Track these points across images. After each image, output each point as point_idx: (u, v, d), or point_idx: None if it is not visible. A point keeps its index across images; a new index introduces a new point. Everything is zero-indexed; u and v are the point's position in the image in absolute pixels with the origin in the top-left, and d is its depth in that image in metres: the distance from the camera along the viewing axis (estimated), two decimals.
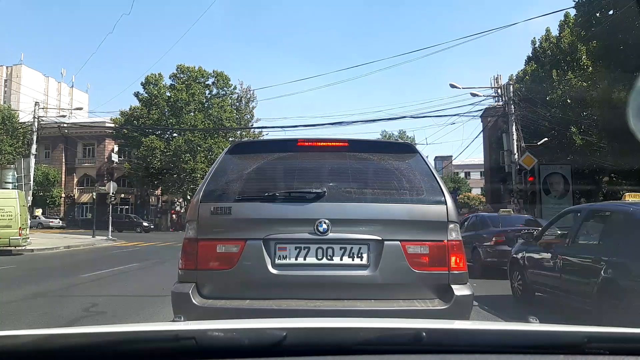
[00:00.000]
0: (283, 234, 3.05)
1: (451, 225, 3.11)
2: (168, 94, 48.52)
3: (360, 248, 3.06)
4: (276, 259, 3.04)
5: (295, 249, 3.05)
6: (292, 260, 3.04)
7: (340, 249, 3.05)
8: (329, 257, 3.04)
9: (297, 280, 3.03)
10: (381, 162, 3.48)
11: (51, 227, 42.70)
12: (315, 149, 3.54)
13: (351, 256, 3.05)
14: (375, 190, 3.24)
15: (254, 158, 3.51)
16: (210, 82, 50.19)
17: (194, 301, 2.97)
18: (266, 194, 3.15)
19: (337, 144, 3.55)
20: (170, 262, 15.34)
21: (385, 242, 3.05)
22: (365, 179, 3.40)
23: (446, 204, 3.12)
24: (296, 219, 3.07)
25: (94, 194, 34.33)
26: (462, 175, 71.34)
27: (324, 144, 3.56)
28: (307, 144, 3.53)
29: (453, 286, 3.04)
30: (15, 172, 23.21)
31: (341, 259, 3.05)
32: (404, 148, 3.89)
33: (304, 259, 3.04)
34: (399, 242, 3.05)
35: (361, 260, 3.05)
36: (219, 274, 3.07)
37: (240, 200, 3.14)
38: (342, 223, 3.04)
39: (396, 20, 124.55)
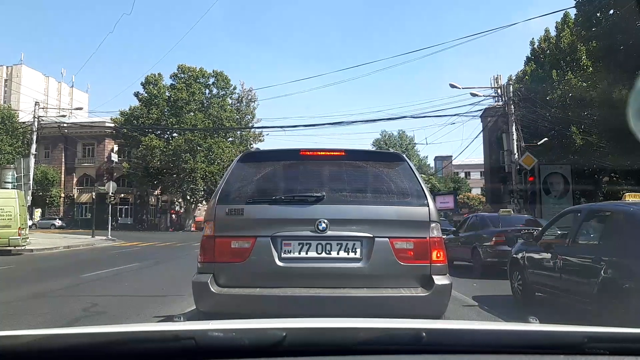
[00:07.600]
0: (288, 232, 3.49)
1: (433, 225, 3.53)
2: (168, 93, 48.54)
3: (354, 244, 3.49)
4: (282, 253, 3.47)
5: (299, 245, 3.48)
6: (296, 254, 3.47)
7: (337, 244, 3.48)
8: (327, 252, 3.47)
9: (300, 271, 3.47)
10: (373, 169, 3.94)
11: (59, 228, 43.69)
12: (316, 158, 3.95)
13: (346, 251, 3.48)
14: (367, 194, 3.72)
15: (262, 166, 4.00)
16: (210, 82, 50.21)
17: (212, 289, 3.42)
18: (273, 197, 3.60)
19: (334, 153, 3.95)
20: (170, 262, 15.37)
21: (376, 239, 3.47)
22: (359, 184, 3.85)
23: (428, 206, 3.56)
24: (299, 219, 3.49)
25: (94, 193, 34.35)
26: (462, 175, 71.29)
27: (323, 153, 3.96)
28: (308, 153, 3.93)
29: (434, 276, 3.47)
30: (15, 172, 23.21)
31: (338, 253, 3.48)
32: (394, 157, 4.32)
33: (306, 253, 3.47)
34: (387, 239, 3.48)
35: (355, 254, 3.48)
36: (233, 266, 3.50)
37: (251, 203, 3.58)
38: (339, 222, 3.47)
39: (396, 20, 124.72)
